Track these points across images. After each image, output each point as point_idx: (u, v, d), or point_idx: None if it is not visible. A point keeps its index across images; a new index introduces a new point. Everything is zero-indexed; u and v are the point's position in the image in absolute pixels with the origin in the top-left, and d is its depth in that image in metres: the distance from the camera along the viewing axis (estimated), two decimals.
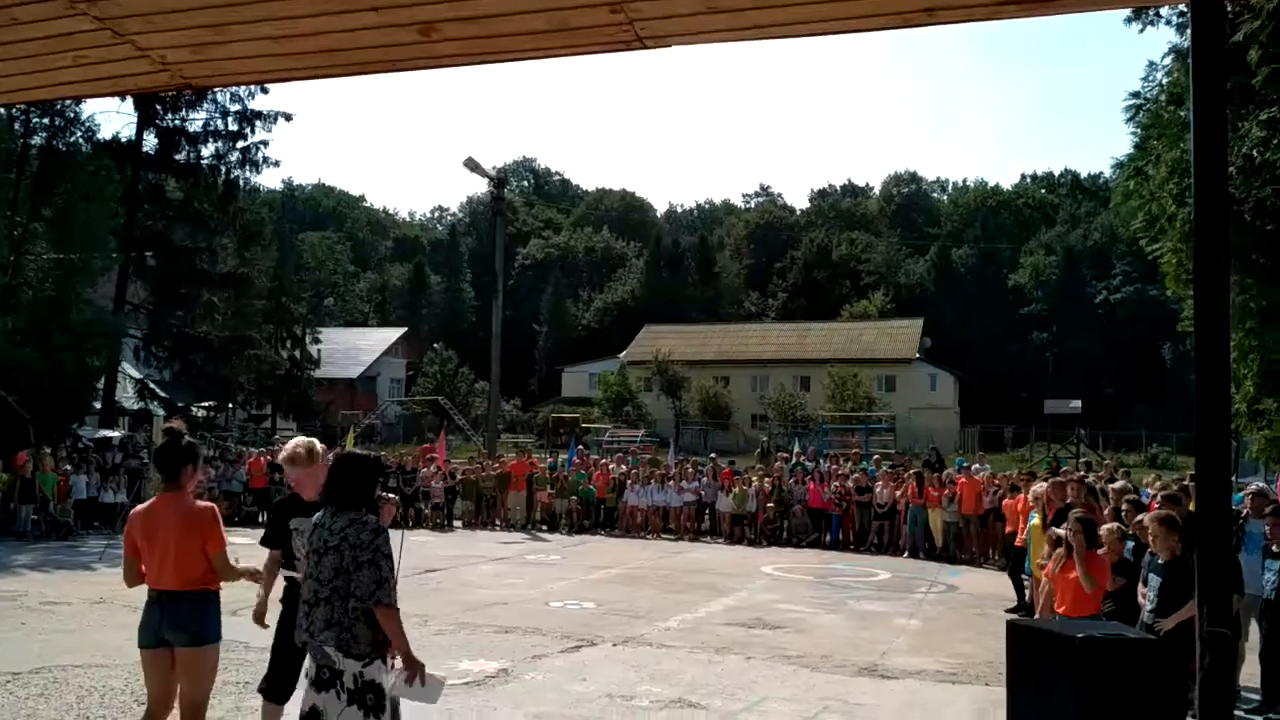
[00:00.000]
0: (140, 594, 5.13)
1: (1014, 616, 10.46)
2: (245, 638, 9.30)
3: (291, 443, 5.79)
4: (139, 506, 5.26)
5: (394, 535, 4.86)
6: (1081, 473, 18.25)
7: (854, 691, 8.27)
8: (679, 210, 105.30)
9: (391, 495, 5.50)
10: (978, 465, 20.35)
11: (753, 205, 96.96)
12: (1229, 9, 12.96)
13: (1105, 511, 10.54)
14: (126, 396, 33.51)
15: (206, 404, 36.67)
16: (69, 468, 20.24)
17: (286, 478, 5.75)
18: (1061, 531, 7.61)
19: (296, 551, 5.31)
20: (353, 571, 4.38)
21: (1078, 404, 41.55)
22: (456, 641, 9.72)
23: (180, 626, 4.90)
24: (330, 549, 4.45)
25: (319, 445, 5.84)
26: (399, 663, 4.52)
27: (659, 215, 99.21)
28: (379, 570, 4.39)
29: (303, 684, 4.72)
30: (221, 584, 5.13)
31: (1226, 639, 2.51)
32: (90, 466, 21.11)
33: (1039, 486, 12.43)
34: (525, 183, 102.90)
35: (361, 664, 4.41)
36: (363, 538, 4.42)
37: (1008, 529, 14.90)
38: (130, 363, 33.78)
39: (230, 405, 39.83)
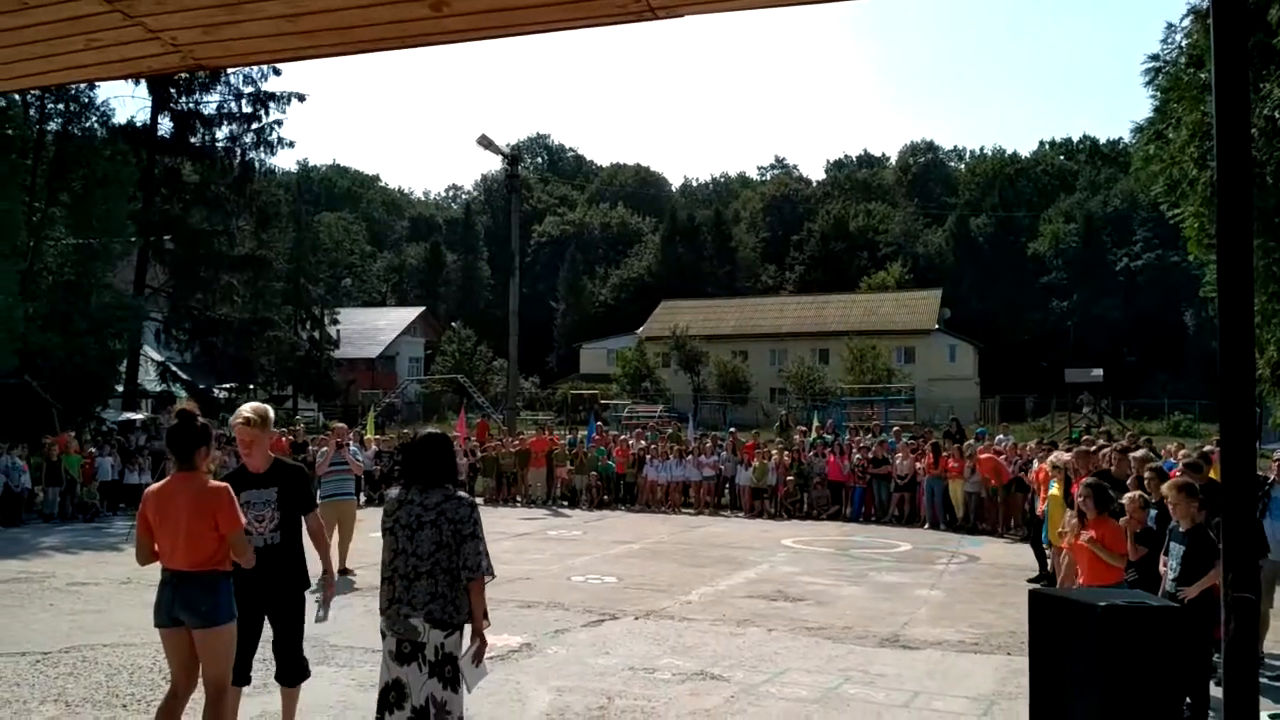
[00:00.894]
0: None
1: (1036, 586, 10.46)
2: None
3: (245, 406, 5.80)
4: (153, 485, 5.29)
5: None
6: (1102, 442, 18.19)
7: (875, 662, 8.29)
8: (694, 184, 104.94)
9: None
10: (1001, 435, 20.26)
11: (768, 177, 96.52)
12: None
13: (1129, 480, 10.49)
14: (149, 379, 33.82)
15: (228, 385, 36.96)
16: (93, 450, 20.45)
17: (239, 445, 5.78)
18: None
19: (250, 526, 5.36)
20: (456, 545, 4.61)
21: (1099, 372, 41.26)
22: None
23: (191, 608, 4.94)
24: (427, 524, 4.65)
25: (271, 412, 5.93)
26: (467, 638, 4.68)
27: (674, 190, 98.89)
28: (480, 542, 4.70)
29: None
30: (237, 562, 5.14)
31: (1251, 604, 2.50)
32: (114, 449, 21.32)
33: (1058, 455, 12.38)
34: (539, 159, 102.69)
35: (445, 635, 4.58)
36: (461, 512, 4.68)
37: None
38: (151, 346, 34.06)
39: (251, 386, 40.10)
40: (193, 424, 5.16)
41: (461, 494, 4.80)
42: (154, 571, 5.13)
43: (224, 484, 5.18)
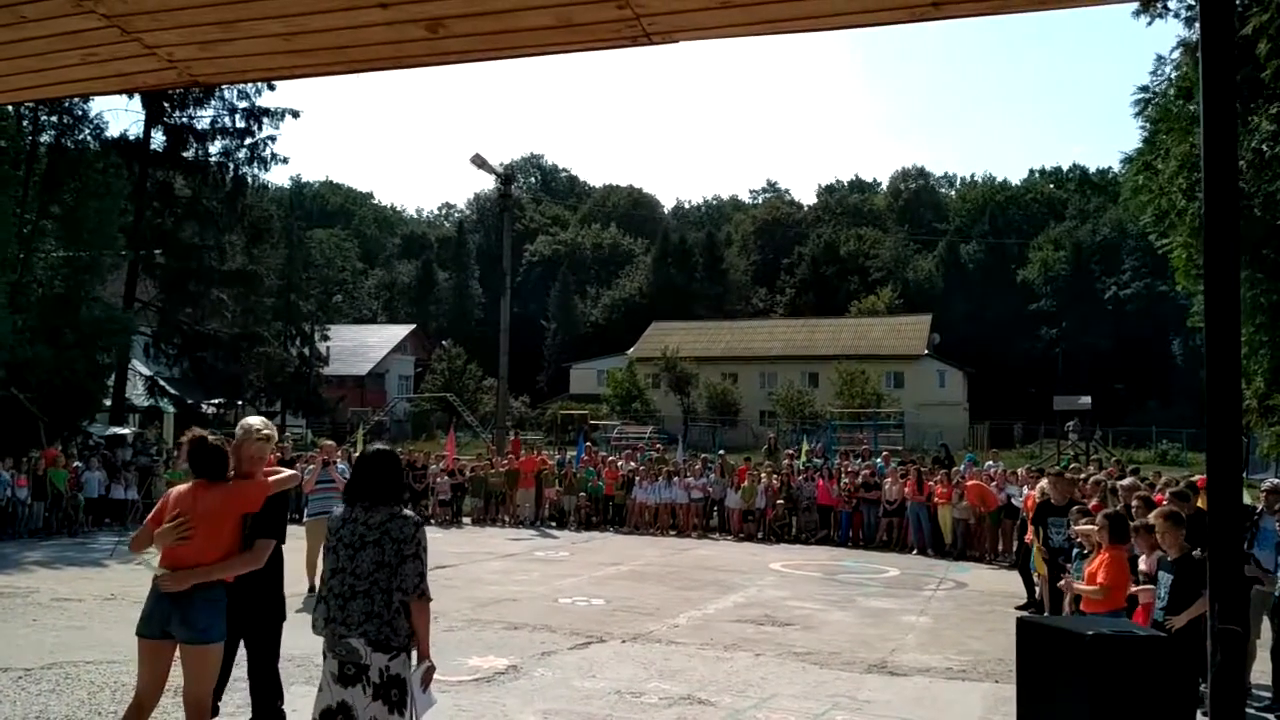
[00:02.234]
0: (148, 593, 5.13)
1: (1024, 613, 10.45)
2: None
3: (254, 420, 5.59)
4: (179, 487, 5.27)
5: None
6: (1091, 469, 18.23)
7: (863, 688, 8.26)
8: (686, 206, 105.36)
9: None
10: (990, 462, 20.27)
11: (760, 201, 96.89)
12: (1237, 1, 12.89)
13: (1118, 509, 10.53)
14: (137, 394, 33.64)
15: (216, 401, 36.81)
16: (80, 464, 20.30)
17: (248, 461, 5.40)
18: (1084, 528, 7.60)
19: None
20: (396, 565, 4.50)
21: (1087, 400, 41.35)
22: (466, 638, 9.74)
23: (189, 622, 4.90)
24: (369, 543, 4.55)
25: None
26: (415, 660, 4.59)
27: (666, 212, 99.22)
28: (421, 564, 4.55)
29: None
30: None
31: (1238, 635, 2.50)
32: (100, 463, 21.18)
33: (1045, 483, 12.42)
34: (532, 179, 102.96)
35: (389, 657, 4.48)
36: (405, 532, 4.56)
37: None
38: (140, 360, 33.90)
39: (240, 402, 39.95)
40: (218, 449, 5.21)
41: (407, 513, 4.68)
42: (139, 588, 5.10)
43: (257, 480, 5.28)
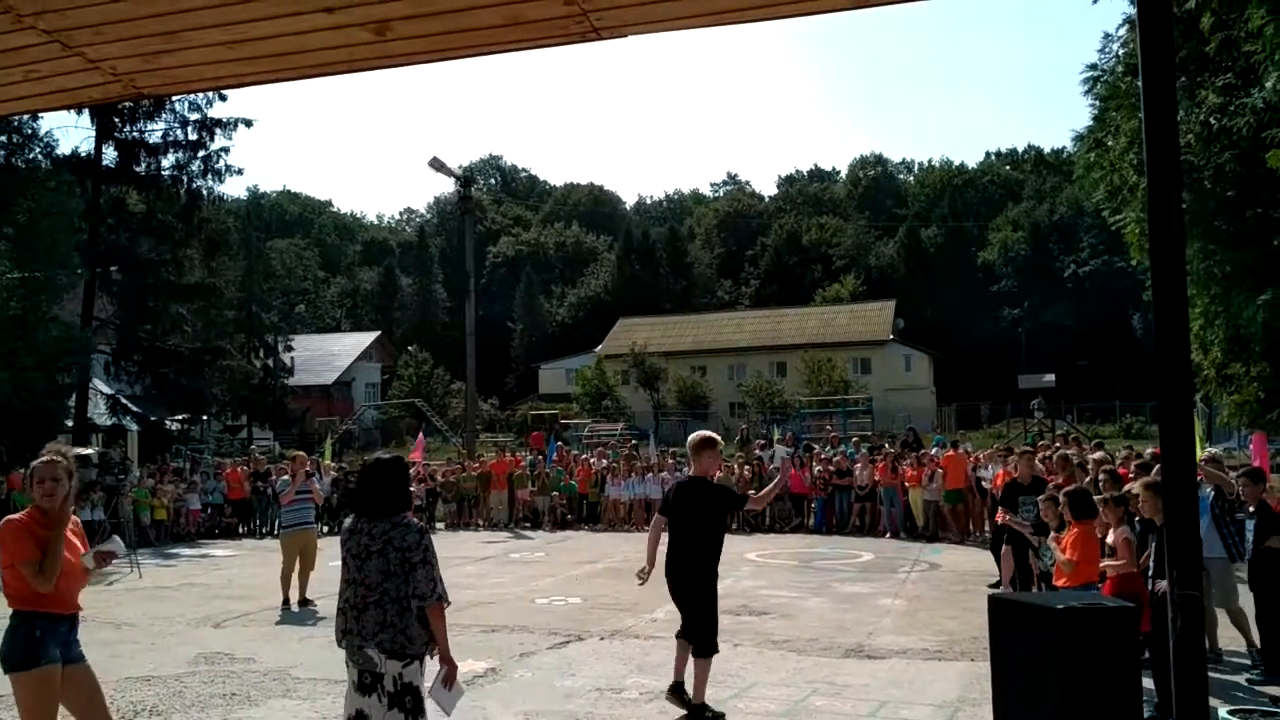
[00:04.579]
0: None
1: (996, 591, 10.58)
2: (230, 649, 9.27)
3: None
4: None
5: None
6: (1059, 445, 18.47)
7: (841, 673, 8.32)
8: (648, 202, 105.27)
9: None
10: (959, 443, 20.46)
11: (721, 194, 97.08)
12: None
13: (1086, 482, 10.71)
14: (99, 413, 33.16)
15: (180, 417, 36.35)
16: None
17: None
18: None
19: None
20: (406, 573, 4.53)
21: (1051, 378, 41.92)
22: None
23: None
24: (374, 553, 4.59)
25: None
26: (435, 662, 4.64)
27: (628, 208, 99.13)
28: (432, 569, 4.58)
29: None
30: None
31: (1196, 601, 2.55)
32: None
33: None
34: (493, 180, 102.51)
35: (403, 665, 4.52)
36: (409, 539, 4.58)
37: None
38: (101, 378, 33.44)
39: (204, 417, 39.48)
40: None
41: (410, 520, 4.72)
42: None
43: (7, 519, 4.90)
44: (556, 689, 7.94)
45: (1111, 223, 17.09)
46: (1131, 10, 15.82)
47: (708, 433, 7.49)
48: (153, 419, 34.16)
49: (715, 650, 7.03)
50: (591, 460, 23.98)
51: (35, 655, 4.66)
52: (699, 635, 6.92)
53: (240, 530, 22.14)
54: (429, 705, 4.69)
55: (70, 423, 29.14)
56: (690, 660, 6.96)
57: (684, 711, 6.95)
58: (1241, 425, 17.61)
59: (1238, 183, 13.66)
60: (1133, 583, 7.13)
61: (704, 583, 7.03)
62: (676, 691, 7.00)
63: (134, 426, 33.83)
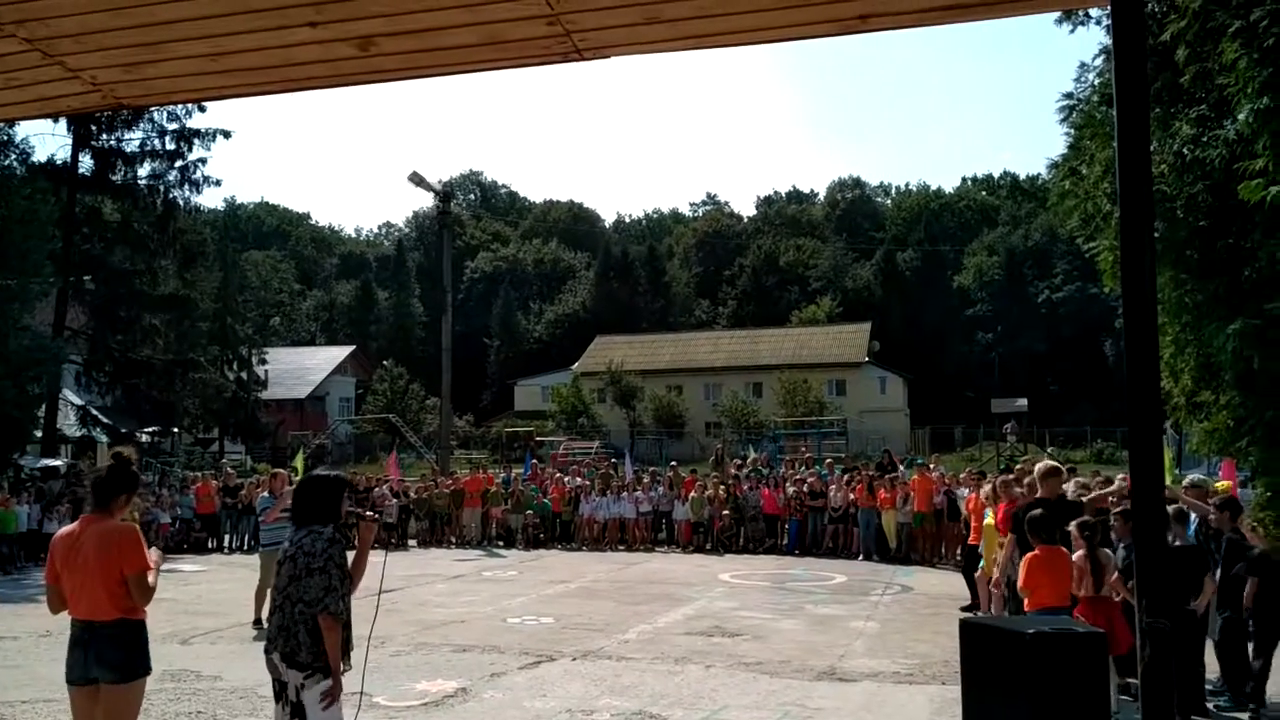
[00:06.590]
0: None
1: (968, 615, 10.60)
2: (196, 666, 9.15)
3: None
4: (61, 530, 5.01)
5: (374, 556, 5.04)
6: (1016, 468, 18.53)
7: (813, 696, 8.31)
8: (627, 220, 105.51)
9: (372, 515, 5.45)
10: (933, 465, 20.54)
11: (700, 214, 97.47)
12: (1155, 8, 13.25)
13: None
14: (69, 424, 32.80)
15: (151, 429, 36.02)
16: (10, 498, 19.73)
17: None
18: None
19: None
20: (303, 578, 4.45)
21: (1023, 402, 42.14)
22: (413, 662, 9.62)
23: (104, 661, 4.67)
24: (287, 558, 4.59)
25: None
26: (322, 682, 4.48)
27: (607, 226, 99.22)
28: (329, 578, 4.46)
29: None
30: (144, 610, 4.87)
31: (1165, 630, 2.57)
32: (31, 496, 20.61)
33: (989, 486, 12.61)
34: (472, 196, 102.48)
35: (304, 676, 4.41)
36: (316, 546, 4.53)
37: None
38: (71, 389, 33.08)
39: (176, 430, 39.12)
40: (125, 470, 4.98)
41: (325, 530, 4.62)
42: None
43: (131, 524, 5.00)
44: (527, 710, 7.88)
45: (1085, 250, 17.25)
46: (1107, 40, 16.07)
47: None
48: (123, 431, 33.81)
49: None
50: (566, 478, 23.89)
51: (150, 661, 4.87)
52: None
53: (209, 545, 21.89)
54: None
55: (40, 434, 28.79)
56: None
57: None
58: (1211, 452, 17.77)
59: (1210, 213, 13.81)
60: (1104, 607, 7.14)
61: None
62: None
63: (104, 438, 33.46)
